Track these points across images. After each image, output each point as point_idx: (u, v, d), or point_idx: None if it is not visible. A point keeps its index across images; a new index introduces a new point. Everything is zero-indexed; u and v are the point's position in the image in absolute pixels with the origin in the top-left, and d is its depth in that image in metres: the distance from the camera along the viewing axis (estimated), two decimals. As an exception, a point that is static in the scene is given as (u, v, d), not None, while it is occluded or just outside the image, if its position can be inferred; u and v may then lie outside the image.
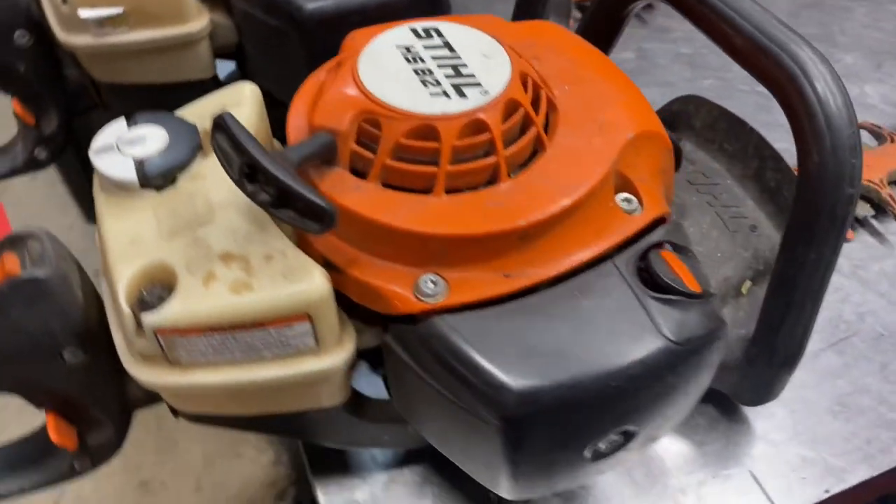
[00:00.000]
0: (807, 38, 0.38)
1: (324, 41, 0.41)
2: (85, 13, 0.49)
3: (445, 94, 0.34)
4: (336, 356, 0.35)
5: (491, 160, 0.34)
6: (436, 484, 0.46)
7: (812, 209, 0.37)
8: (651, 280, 0.34)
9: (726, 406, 0.50)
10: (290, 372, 0.34)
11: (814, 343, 0.52)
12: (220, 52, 0.56)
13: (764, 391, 0.46)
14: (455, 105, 0.33)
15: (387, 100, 0.33)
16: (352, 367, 0.37)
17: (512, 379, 0.31)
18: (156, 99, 0.45)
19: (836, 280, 0.56)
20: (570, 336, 0.33)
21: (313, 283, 0.32)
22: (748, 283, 0.48)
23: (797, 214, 0.38)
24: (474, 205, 0.33)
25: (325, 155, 0.33)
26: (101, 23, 0.50)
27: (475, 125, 0.33)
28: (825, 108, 0.36)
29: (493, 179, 0.34)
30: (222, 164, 0.31)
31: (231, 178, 0.31)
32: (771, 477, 0.47)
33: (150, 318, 0.32)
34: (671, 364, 0.33)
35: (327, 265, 0.34)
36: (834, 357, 0.53)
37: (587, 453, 0.35)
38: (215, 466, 1.38)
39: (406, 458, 0.47)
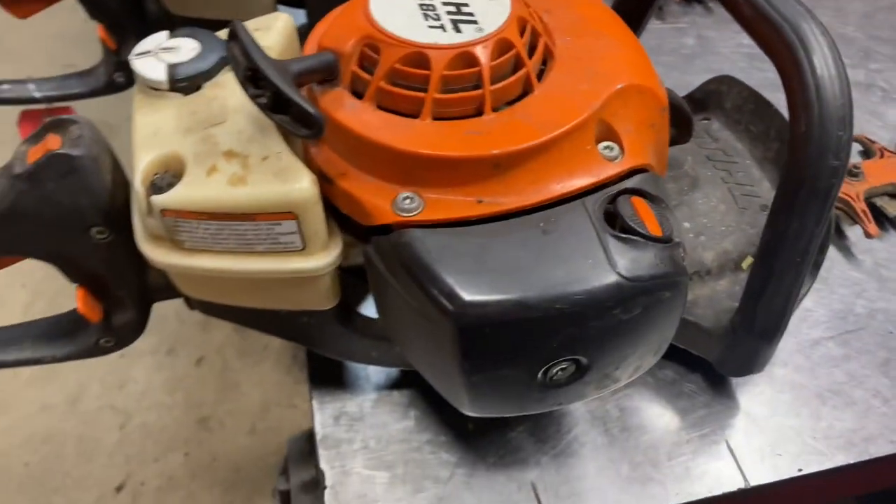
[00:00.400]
0: (815, 14, 0.39)
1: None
2: (162, -50, 0.54)
3: (442, 27, 0.37)
4: (321, 259, 0.38)
5: (477, 93, 0.37)
6: (419, 408, 0.49)
7: (796, 179, 0.38)
8: (614, 221, 0.36)
9: (714, 378, 0.51)
10: (279, 267, 0.38)
11: (817, 331, 0.53)
12: (282, -2, 0.61)
13: (746, 362, 0.47)
14: (449, 38, 0.36)
15: (388, 28, 0.37)
16: (338, 274, 0.41)
17: (464, 290, 0.34)
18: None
19: (854, 275, 0.56)
20: (527, 260, 0.35)
21: (301, 184, 0.36)
22: (749, 259, 0.49)
23: (783, 184, 0.39)
24: (455, 131, 0.36)
25: (326, 72, 0.37)
26: (177, -42, 0.55)
27: (464, 58, 0.36)
28: (817, 78, 0.37)
29: (478, 111, 0.37)
30: (232, 68, 0.35)
31: (238, 81, 0.35)
32: (747, 449, 0.48)
33: (158, 199, 0.36)
34: (619, 298, 0.35)
35: (322, 176, 0.38)
36: (836, 347, 0.53)
37: (540, 376, 0.37)
38: (270, 413, 1.46)
39: (395, 383, 0.51)
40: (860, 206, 0.56)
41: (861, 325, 0.54)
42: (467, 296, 0.34)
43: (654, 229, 0.36)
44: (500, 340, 0.35)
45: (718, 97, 0.57)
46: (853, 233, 0.59)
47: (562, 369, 0.37)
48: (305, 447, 0.73)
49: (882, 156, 0.60)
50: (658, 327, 0.38)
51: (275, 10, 0.61)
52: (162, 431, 1.40)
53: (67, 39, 1.97)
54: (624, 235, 0.36)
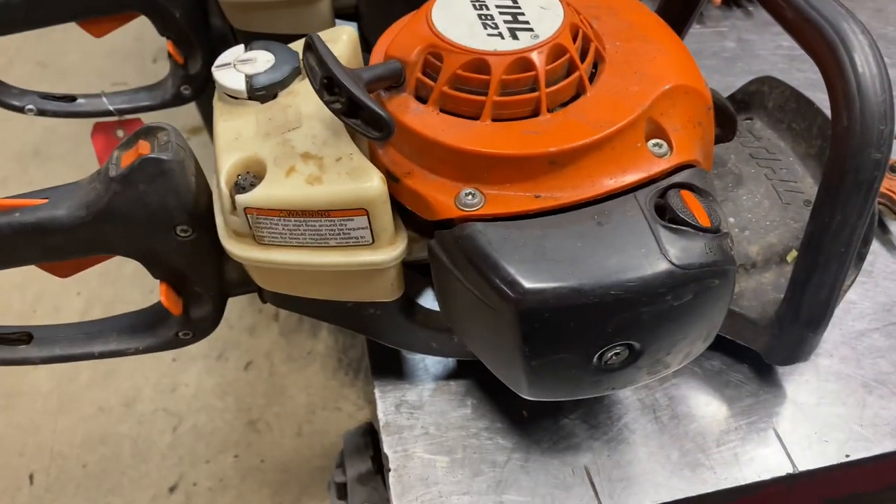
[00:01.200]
0: (855, 15, 0.40)
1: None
2: (229, -31, 0.58)
3: (501, 35, 0.40)
4: (388, 253, 0.41)
5: (534, 95, 0.39)
6: (476, 397, 0.52)
7: (838, 172, 0.40)
8: (665, 212, 0.38)
9: (760, 368, 0.52)
10: (349, 260, 0.41)
11: (862, 323, 0.55)
12: (340, 13, 0.65)
13: (792, 351, 0.48)
14: (507, 44, 0.39)
15: (450, 37, 0.40)
16: (402, 267, 0.43)
17: (524, 278, 0.37)
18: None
19: (901, 268, 0.57)
20: (582, 251, 0.37)
21: (371, 183, 0.39)
22: (794, 252, 0.51)
23: (826, 177, 0.41)
24: (514, 131, 0.39)
25: (393, 78, 0.40)
26: (242, -23, 0.59)
27: (522, 63, 0.39)
28: (858, 74, 0.38)
29: (534, 112, 0.40)
30: (308, 77, 0.38)
31: (314, 88, 0.38)
32: (794, 437, 0.50)
33: (242, 198, 0.39)
34: (671, 285, 0.37)
35: (389, 176, 0.41)
36: (881, 339, 0.54)
37: (595, 360, 0.40)
38: (316, 415, 1.50)
39: (453, 373, 0.53)
40: (903, 201, 0.58)
41: (906, 317, 0.55)
42: (527, 283, 0.37)
43: (703, 220, 0.38)
44: (558, 326, 0.38)
45: (761, 97, 0.59)
46: (896, 228, 0.60)
47: (616, 354, 0.40)
48: (361, 441, 0.76)
49: (924, 152, 0.61)
50: (707, 314, 0.40)
51: (333, 24, 0.64)
52: (213, 434, 1.45)
53: (117, 58, 2.05)
54: (674, 226, 0.38)
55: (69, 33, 0.69)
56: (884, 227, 0.60)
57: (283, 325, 1.55)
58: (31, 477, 1.38)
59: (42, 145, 1.89)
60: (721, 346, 0.52)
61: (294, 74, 0.43)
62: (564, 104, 0.40)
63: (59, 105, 0.68)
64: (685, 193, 0.39)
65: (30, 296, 1.60)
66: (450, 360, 0.53)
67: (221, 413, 1.48)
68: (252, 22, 0.63)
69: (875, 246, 0.59)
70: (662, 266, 0.37)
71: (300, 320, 1.57)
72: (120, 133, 0.69)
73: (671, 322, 0.39)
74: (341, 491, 0.75)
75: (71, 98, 0.68)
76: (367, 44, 0.58)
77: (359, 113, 0.37)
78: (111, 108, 0.68)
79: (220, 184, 0.40)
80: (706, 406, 0.51)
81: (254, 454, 1.42)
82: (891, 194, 0.58)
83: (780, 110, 0.57)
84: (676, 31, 0.53)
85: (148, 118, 0.73)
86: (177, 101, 0.70)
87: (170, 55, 0.68)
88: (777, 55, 0.76)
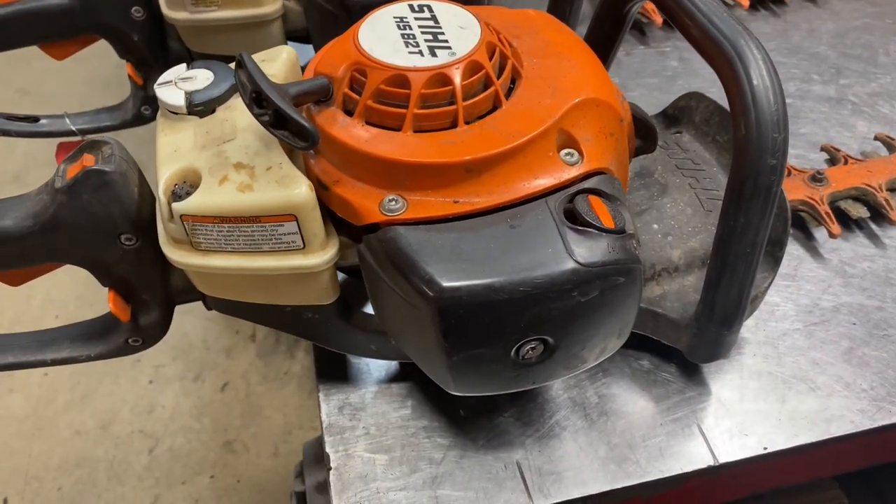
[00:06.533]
0: (755, 36, 0.44)
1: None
2: (183, -7, 0.61)
3: (421, 53, 0.43)
4: (320, 257, 0.44)
5: (451, 108, 0.42)
6: (416, 398, 0.54)
7: (740, 178, 0.43)
8: (573, 215, 0.41)
9: (687, 368, 0.55)
10: (282, 264, 0.44)
11: (785, 323, 0.58)
12: (291, 34, 0.68)
13: (711, 349, 0.51)
14: (426, 61, 0.42)
15: (374, 54, 0.43)
16: (336, 271, 0.46)
17: (442, 277, 0.39)
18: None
19: (820, 272, 0.61)
20: (496, 251, 0.40)
21: (299, 189, 0.41)
22: (714, 257, 0.54)
23: (730, 183, 0.44)
24: (433, 142, 0.42)
25: (320, 93, 0.43)
26: (196, 2, 0.62)
27: (439, 78, 0.42)
28: (753, 87, 0.42)
29: (453, 124, 0.42)
30: (240, 92, 0.41)
31: (244, 102, 0.41)
32: (717, 431, 0.52)
33: (178, 206, 0.42)
34: (576, 282, 0.40)
35: (320, 184, 0.43)
36: (802, 338, 0.57)
37: (512, 355, 0.42)
38: (293, 435, 1.51)
39: (395, 375, 0.56)
40: (823, 209, 0.61)
41: (826, 318, 0.58)
42: (444, 282, 0.39)
43: (608, 222, 0.41)
44: (474, 321, 0.40)
45: (689, 112, 0.62)
46: (820, 233, 0.63)
47: (532, 348, 0.42)
48: (319, 451, 0.77)
49: (846, 163, 0.65)
50: (616, 311, 0.43)
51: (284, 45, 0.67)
52: (189, 455, 1.46)
53: (97, 84, 2.09)
54: (580, 228, 0.41)
55: (49, 61, 0.72)
56: (808, 234, 0.63)
57: (259, 346, 1.56)
58: (5, 501, 1.38)
59: (22, 171, 1.92)
60: (650, 346, 0.55)
61: (231, 91, 0.46)
62: (482, 116, 0.43)
63: (22, 126, 0.70)
64: (592, 198, 0.42)
65: (6, 320, 1.62)
66: (392, 362, 0.56)
67: (198, 434, 1.49)
68: (207, 44, 0.66)
69: (799, 251, 0.62)
70: (568, 264, 0.40)
71: (277, 341, 1.59)
72: (83, 153, 0.72)
73: (581, 318, 0.42)
74: (301, 500, 0.77)
75: (34, 119, 0.71)
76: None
77: (285, 125, 0.40)
78: (74, 128, 0.70)
79: (158, 193, 0.43)
80: (634, 403, 0.54)
81: (230, 475, 1.43)
82: (813, 202, 0.61)
83: (705, 124, 0.60)
84: (606, 51, 0.57)
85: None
86: (137, 121, 0.73)
87: (130, 77, 0.71)
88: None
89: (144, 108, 0.72)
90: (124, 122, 0.73)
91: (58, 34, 0.65)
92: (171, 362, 1.55)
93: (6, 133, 0.69)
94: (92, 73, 2.08)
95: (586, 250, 0.40)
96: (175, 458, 1.45)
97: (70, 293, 1.65)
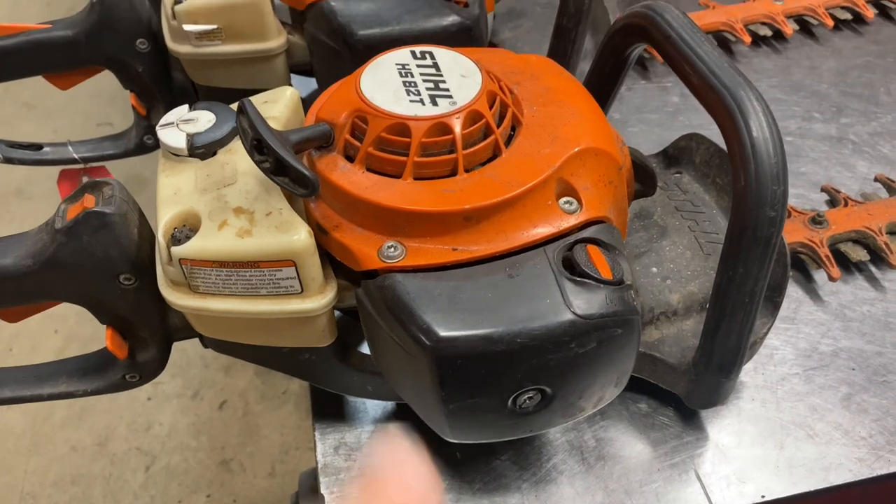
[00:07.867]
0: (752, 82, 0.44)
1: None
2: (188, 27, 0.62)
3: (422, 101, 0.43)
4: (318, 301, 0.44)
5: (451, 156, 0.42)
6: (413, 440, 0.54)
7: (739, 227, 0.43)
8: (571, 266, 0.41)
9: (685, 412, 0.55)
10: (280, 308, 0.44)
11: (784, 368, 0.57)
12: (295, 68, 0.68)
13: (709, 395, 0.51)
14: (427, 110, 0.42)
15: (375, 102, 0.43)
16: (333, 314, 0.46)
17: (439, 327, 0.39)
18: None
19: (820, 315, 0.60)
20: (494, 301, 0.40)
21: (298, 235, 0.41)
22: (714, 301, 0.54)
23: (729, 232, 0.44)
24: (433, 190, 0.42)
25: (322, 139, 0.43)
26: (200, 36, 0.62)
27: (440, 127, 0.42)
28: (753, 139, 0.42)
29: (452, 172, 0.43)
30: (241, 138, 0.41)
31: (245, 149, 0.41)
32: (714, 477, 0.52)
33: (177, 250, 0.42)
34: (574, 333, 0.40)
35: (319, 228, 0.44)
36: (801, 383, 0.57)
37: (510, 404, 0.42)
38: (290, 455, 1.51)
39: (392, 415, 0.55)
40: (823, 252, 0.61)
41: (825, 362, 0.58)
42: (442, 332, 0.39)
43: (606, 273, 0.41)
44: (471, 371, 0.40)
45: (689, 153, 0.62)
46: (820, 276, 0.63)
47: (529, 398, 0.42)
48: (314, 483, 0.77)
49: (846, 205, 0.65)
50: (613, 361, 0.43)
51: (288, 79, 0.68)
52: (186, 473, 1.45)
53: (103, 98, 2.10)
54: (579, 279, 0.41)
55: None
56: (808, 277, 0.63)
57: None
58: (-1, 517, 1.38)
59: (24, 185, 1.92)
60: (648, 389, 0.54)
61: (233, 134, 0.46)
62: (482, 164, 0.43)
63: (25, 153, 0.70)
64: (591, 248, 0.42)
65: (7, 335, 1.62)
66: (388, 402, 0.56)
67: (195, 452, 1.48)
68: (211, 77, 0.66)
69: (798, 293, 0.62)
70: (566, 316, 0.40)
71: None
72: (85, 179, 0.72)
73: (578, 368, 0.42)
74: (296, 531, 0.77)
75: (37, 146, 0.71)
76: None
77: (286, 172, 0.40)
78: (76, 156, 0.71)
79: (158, 236, 0.43)
80: (632, 448, 0.53)
81: (226, 494, 1.42)
82: (812, 245, 0.61)
83: (705, 165, 0.60)
84: (606, 95, 0.57)
85: (115, 165, 0.76)
86: (139, 150, 0.73)
87: (133, 107, 0.71)
88: (717, 110, 0.79)
89: (147, 138, 0.72)
90: (127, 151, 0.73)
91: (62, 65, 0.65)
92: (170, 379, 1.55)
93: (9, 161, 0.69)
94: (97, 88, 2.08)
95: (584, 302, 0.40)
96: (171, 476, 1.44)
97: (70, 308, 1.64)
